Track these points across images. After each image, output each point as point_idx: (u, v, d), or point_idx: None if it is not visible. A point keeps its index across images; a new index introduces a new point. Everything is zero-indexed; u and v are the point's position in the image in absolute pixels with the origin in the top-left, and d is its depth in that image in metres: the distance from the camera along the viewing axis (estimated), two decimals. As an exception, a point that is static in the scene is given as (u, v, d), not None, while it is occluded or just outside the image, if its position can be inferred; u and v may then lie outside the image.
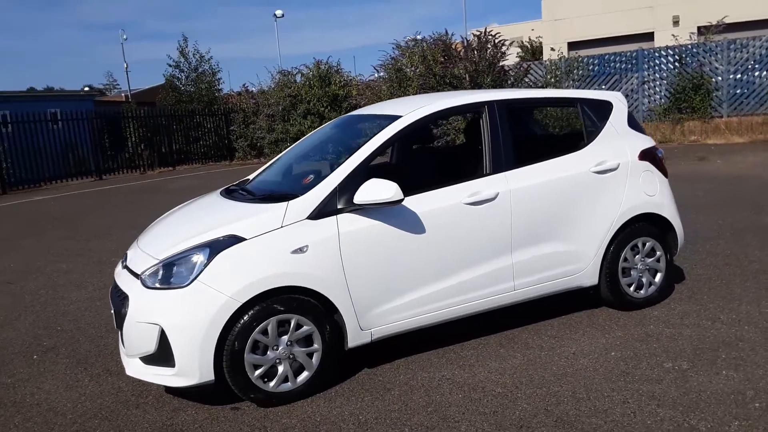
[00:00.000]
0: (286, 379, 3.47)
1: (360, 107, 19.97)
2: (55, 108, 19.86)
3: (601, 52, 20.36)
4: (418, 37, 20.98)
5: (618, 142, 4.44)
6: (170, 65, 23.63)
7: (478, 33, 19.63)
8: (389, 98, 19.82)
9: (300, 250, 3.43)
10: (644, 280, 4.52)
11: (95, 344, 4.64)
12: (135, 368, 3.48)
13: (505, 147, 4.08)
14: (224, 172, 18.05)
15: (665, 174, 4.65)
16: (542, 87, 19.35)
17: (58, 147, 18.89)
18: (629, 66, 18.81)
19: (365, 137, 3.97)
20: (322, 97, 21.43)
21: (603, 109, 4.51)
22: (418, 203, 3.75)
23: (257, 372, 3.38)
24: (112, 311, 3.72)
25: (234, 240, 3.39)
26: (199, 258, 3.35)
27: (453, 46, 20.04)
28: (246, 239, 3.40)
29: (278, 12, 39.37)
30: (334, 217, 3.54)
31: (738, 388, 3.32)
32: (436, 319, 3.89)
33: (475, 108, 4.23)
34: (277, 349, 3.42)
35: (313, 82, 21.71)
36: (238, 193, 4.14)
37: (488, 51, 19.18)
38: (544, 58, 25.10)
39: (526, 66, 19.73)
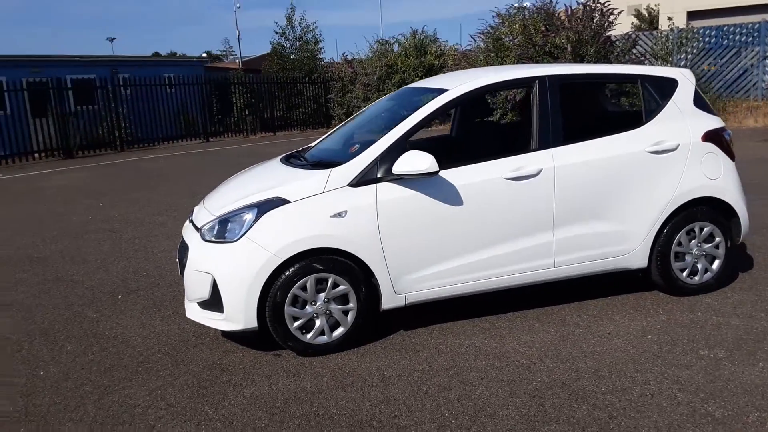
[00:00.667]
0: (322, 333, 3.76)
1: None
2: (170, 73, 21.27)
3: (723, 23, 18.86)
4: (522, 4, 20.34)
5: (680, 122, 4.29)
6: (277, 32, 24.51)
7: (585, 0, 18.81)
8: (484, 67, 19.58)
9: (339, 215, 3.66)
10: (699, 266, 4.38)
11: (171, 289, 5.16)
12: (193, 311, 3.90)
13: (554, 123, 4.07)
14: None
15: (732, 157, 4.44)
16: (649, 60, 18.30)
17: (172, 110, 20.31)
18: (750, 39, 17.32)
19: (414, 110, 4.10)
20: (417, 66, 21.45)
21: (667, 87, 4.35)
22: (458, 176, 3.86)
23: (296, 324, 3.69)
24: (177, 260, 4.16)
25: (280, 202, 3.69)
26: (248, 216, 3.68)
27: (557, 15, 19.36)
28: (290, 201, 3.68)
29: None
30: (374, 186, 3.74)
31: (770, 381, 3.22)
32: (471, 290, 4.01)
33: (525, 83, 4.24)
34: (315, 305, 3.71)
35: (409, 51, 21.75)
36: (295, 159, 4.43)
37: (595, 20, 18.36)
38: (661, 28, 23.58)
39: (634, 37, 18.66)
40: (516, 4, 20.24)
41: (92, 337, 4.26)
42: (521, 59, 18.81)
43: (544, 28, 18.81)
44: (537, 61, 18.74)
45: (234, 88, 22.29)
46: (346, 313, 3.78)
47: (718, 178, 4.31)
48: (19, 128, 16.95)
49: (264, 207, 3.69)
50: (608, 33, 18.99)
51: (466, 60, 20.40)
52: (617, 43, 18.84)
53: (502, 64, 19.24)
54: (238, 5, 36.25)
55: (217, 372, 3.65)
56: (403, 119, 3.94)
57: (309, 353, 3.77)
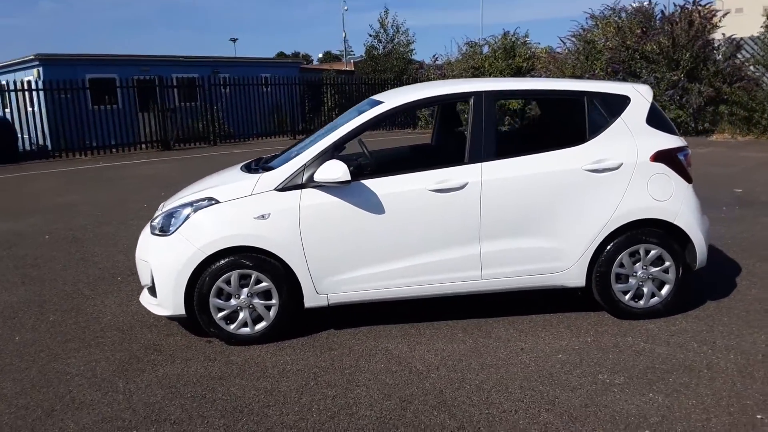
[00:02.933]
0: (245, 325, 4.07)
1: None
2: (266, 73, 22.54)
3: None
4: (619, 6, 19.45)
5: (627, 141, 4.16)
6: (370, 35, 25.17)
7: (683, 3, 17.69)
8: (572, 72, 18.97)
9: (262, 216, 3.96)
10: (645, 289, 4.23)
11: (165, 276, 5.70)
12: (142, 296, 4.37)
13: (486, 138, 4.11)
14: (402, 140, 19.00)
15: (687, 179, 4.22)
16: (751, 65, 16.87)
17: (266, 108, 21.55)
18: None
19: (354, 120, 4.29)
20: (504, 69, 21.18)
21: (616, 104, 4.23)
22: (382, 186, 4.02)
23: (220, 314, 4.04)
24: (139, 249, 4.65)
25: (211, 201, 4.05)
26: (184, 213, 4.08)
27: (656, 17, 18.35)
28: (220, 202, 4.03)
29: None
30: (298, 191, 3.99)
31: (647, 413, 3.12)
32: (394, 295, 4.15)
33: (462, 98, 4.30)
34: (239, 298, 4.03)
35: (498, 53, 21.52)
36: (255, 163, 4.77)
37: (696, 22, 17.22)
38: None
39: (737, 41, 17.26)
40: (611, 5, 19.40)
41: (74, 311, 4.86)
42: (612, 63, 18.08)
43: (640, 31, 17.94)
44: (630, 65, 17.95)
45: (325, 89, 23.17)
46: (268, 308, 4.07)
47: (667, 199, 4.13)
48: (128, 121, 18.78)
49: (197, 205, 4.07)
50: (711, 36, 17.77)
51: (554, 63, 19.90)
52: (720, 47, 17.58)
53: (590, 68, 18.60)
54: (345, 8, 37.54)
55: (150, 351, 4.08)
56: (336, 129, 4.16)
57: (233, 342, 4.11)
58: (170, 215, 4.17)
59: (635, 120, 4.20)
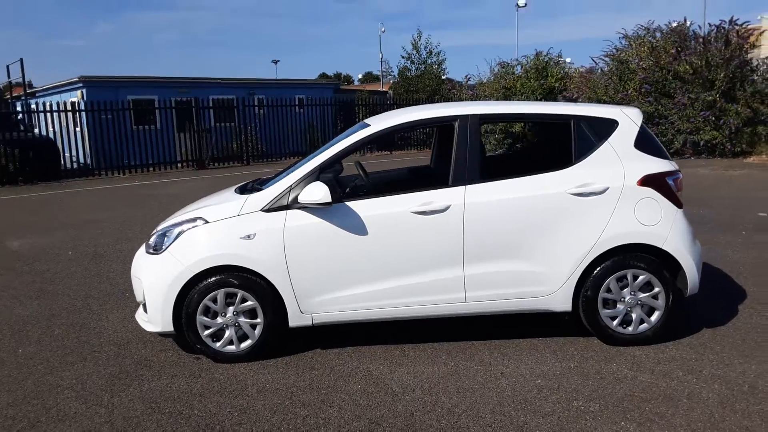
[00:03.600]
0: (231, 342, 4.17)
1: (575, 101, 19.25)
2: (301, 94, 23.01)
3: None
4: (653, 26, 19.16)
5: (613, 165, 4.12)
6: (403, 57, 25.45)
7: (719, 23, 17.35)
8: (604, 92, 18.73)
9: (248, 237, 4.06)
10: (634, 315, 4.15)
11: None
12: (138, 312, 4.52)
13: (471, 160, 4.13)
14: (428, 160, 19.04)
15: (677, 204, 4.15)
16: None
17: (300, 128, 21.95)
18: None
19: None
20: (536, 89, 21.06)
21: (604, 128, 4.20)
22: (366, 208, 4.08)
23: (207, 332, 4.14)
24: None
25: (201, 221, 4.18)
26: (174, 232, 4.21)
27: (692, 37, 18.02)
28: (209, 222, 4.16)
29: (521, 1, 39.02)
30: (283, 212, 4.09)
31: (615, 441, 3.07)
32: (378, 316, 4.19)
33: (446, 121, 4.33)
34: (225, 316, 4.13)
35: (530, 74, 21.43)
36: (251, 184, 4.89)
37: (732, 42, 16.84)
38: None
39: (776, 61, 16.77)
40: (645, 25, 19.13)
41: (79, 326, 5.05)
42: (645, 83, 17.79)
43: (674, 51, 17.64)
44: (663, 86, 17.63)
45: (357, 109, 23.48)
46: (254, 327, 4.16)
47: (655, 224, 4.07)
48: (166, 141, 19.40)
49: (187, 225, 4.20)
50: (749, 56, 17.36)
51: (586, 83, 19.69)
52: (760, 66, 17.12)
53: (624, 88, 18.33)
54: (382, 29, 38.03)
55: (140, 366, 4.20)
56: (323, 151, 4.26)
57: (219, 360, 4.20)
58: (163, 234, 4.31)
59: (623, 144, 4.16)
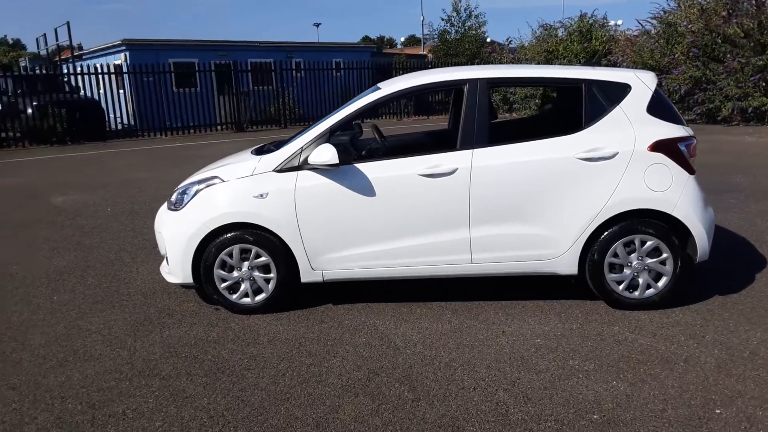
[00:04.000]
0: (247, 295, 4.38)
1: (619, 65, 18.69)
2: (338, 58, 23.00)
3: None
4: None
5: (624, 129, 4.09)
6: (443, 19, 25.05)
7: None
8: (650, 56, 18.12)
9: (261, 196, 4.22)
10: (641, 280, 4.17)
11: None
12: (162, 265, 4.77)
13: (479, 124, 4.17)
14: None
15: (689, 170, 4.11)
16: None
17: (336, 91, 22.01)
18: None
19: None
20: (579, 53, 20.53)
21: (616, 92, 4.15)
22: (375, 170, 4.18)
23: (224, 284, 4.36)
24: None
25: (216, 180, 4.36)
26: (192, 190, 4.41)
27: (746, -2, 17.18)
28: (225, 181, 4.33)
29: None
30: (295, 173, 4.22)
31: (603, 399, 3.15)
32: (385, 275, 4.32)
33: (456, 84, 4.36)
34: (240, 270, 4.34)
35: (573, 36, 20.86)
36: (268, 146, 5.04)
37: (789, 3, 16.00)
38: None
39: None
40: (695, -16, 18.28)
41: (110, 276, 5.36)
42: (694, 47, 17.12)
43: (725, 13, 16.87)
44: (712, 50, 16.95)
45: (395, 73, 23.33)
46: (267, 281, 4.35)
47: (665, 190, 4.05)
48: (206, 103, 19.78)
49: (205, 183, 4.39)
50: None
51: (631, 47, 19.06)
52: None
53: (671, 51, 17.69)
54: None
55: (163, 315, 4.47)
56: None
57: (235, 311, 4.42)
58: (183, 192, 4.51)
59: (635, 108, 4.12)
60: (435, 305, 4.46)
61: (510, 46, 23.29)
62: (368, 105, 4.32)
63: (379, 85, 4.64)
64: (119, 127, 19.66)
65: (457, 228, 4.18)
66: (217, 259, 4.31)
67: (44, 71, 21.02)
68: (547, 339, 3.86)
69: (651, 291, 4.19)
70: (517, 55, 22.52)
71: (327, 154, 4.05)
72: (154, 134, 18.90)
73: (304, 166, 4.20)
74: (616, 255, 4.14)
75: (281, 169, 4.24)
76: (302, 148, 4.23)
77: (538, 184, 4.09)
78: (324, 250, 4.27)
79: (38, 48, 35.05)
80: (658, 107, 4.15)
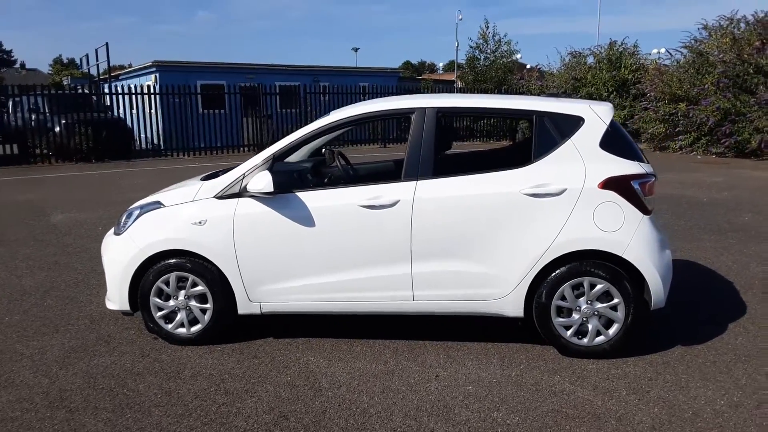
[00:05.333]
0: (183, 325, 4.26)
1: (648, 94, 18.20)
2: (365, 82, 23.11)
3: None
4: (736, 16, 17.77)
5: (574, 165, 3.85)
6: (471, 47, 24.95)
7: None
8: (679, 86, 17.60)
9: (199, 223, 4.11)
10: (590, 326, 3.89)
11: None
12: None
13: (424, 155, 3.99)
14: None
15: (643, 210, 3.82)
16: None
17: (361, 115, 22.05)
18: None
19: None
20: (607, 81, 20.11)
21: (568, 125, 3.92)
22: (313, 199, 4.04)
23: (160, 313, 4.25)
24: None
25: (158, 205, 4.28)
26: (134, 214, 4.34)
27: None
28: (165, 206, 4.25)
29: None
30: (235, 200, 4.11)
31: (513, 459, 2.89)
32: (325, 309, 4.14)
33: (404, 113, 4.20)
34: (177, 299, 4.22)
35: (602, 64, 20.47)
36: (220, 171, 4.93)
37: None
38: None
39: None
40: (728, 15, 17.77)
41: (69, 299, 5.33)
42: (725, 77, 16.56)
43: (759, 43, 16.30)
44: (744, 81, 16.35)
45: (421, 98, 23.26)
46: (204, 311, 4.23)
47: (615, 231, 3.78)
48: (233, 125, 20.06)
49: (146, 208, 4.32)
50: None
51: (660, 77, 18.55)
52: None
53: (701, 81, 17.14)
54: (459, 17, 37.44)
55: (100, 342, 4.38)
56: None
57: (171, 341, 4.30)
58: (128, 215, 4.44)
59: (587, 143, 3.88)
60: (378, 343, 4.26)
61: (538, 71, 23.00)
62: (313, 132, 4.20)
63: (332, 112, 4.52)
64: (148, 146, 20.09)
65: (398, 263, 3.99)
66: (154, 287, 4.21)
67: (84, 90, 21.72)
68: (480, 386, 3.61)
69: (601, 338, 3.90)
70: (545, 82, 22.23)
71: (262, 181, 3.93)
72: (178, 154, 19.24)
73: (243, 193, 4.08)
74: (564, 298, 3.88)
75: (222, 196, 4.13)
76: (244, 174, 4.11)
77: (481, 219, 3.88)
78: (262, 280, 4.13)
79: (81, 67, 36.41)
80: (612, 142, 3.91)
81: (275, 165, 4.15)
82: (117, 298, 4.29)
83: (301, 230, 4.03)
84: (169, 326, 4.27)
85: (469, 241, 3.90)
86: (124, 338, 4.44)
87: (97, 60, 26.92)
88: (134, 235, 4.24)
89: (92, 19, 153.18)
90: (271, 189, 3.92)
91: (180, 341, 4.28)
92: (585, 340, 3.91)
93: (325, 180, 5.02)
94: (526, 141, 4.48)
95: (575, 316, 3.89)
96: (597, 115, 3.94)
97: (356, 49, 62.02)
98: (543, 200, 3.82)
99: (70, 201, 10.67)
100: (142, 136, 19.77)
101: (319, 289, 4.09)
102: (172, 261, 4.16)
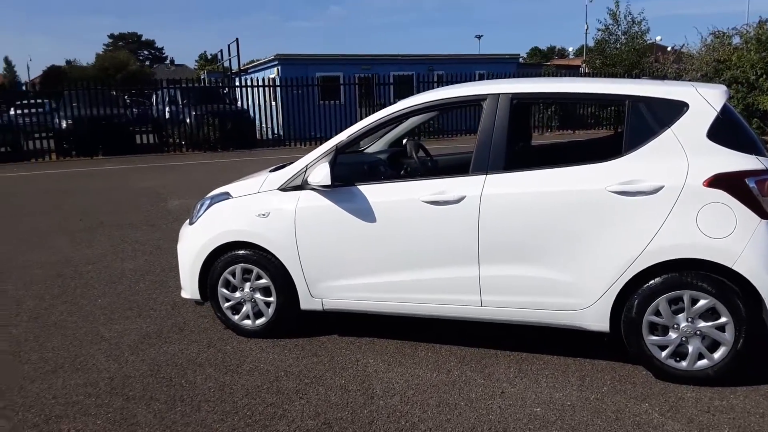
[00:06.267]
0: (248, 317, 4.20)
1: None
2: (481, 70, 22.43)
3: None
4: None
5: (675, 159, 3.27)
6: (599, 29, 23.36)
7: None
8: None
9: (263, 215, 4.02)
10: (690, 348, 3.31)
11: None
12: (185, 278, 4.77)
13: (496, 147, 3.59)
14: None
15: (761, 213, 3.15)
16: None
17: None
18: None
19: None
20: (756, 63, 17.92)
21: (668, 112, 3.33)
22: (375, 193, 3.79)
23: (227, 304, 4.22)
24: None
25: (226, 196, 4.24)
26: (205, 205, 4.34)
27: None
28: (232, 197, 4.20)
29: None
30: (297, 193, 3.97)
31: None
32: (387, 310, 3.89)
33: (473, 101, 3.79)
34: (243, 291, 4.17)
35: (750, 45, 18.28)
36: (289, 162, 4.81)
37: None
38: None
39: None
40: None
41: (159, 284, 5.51)
42: None
43: None
44: None
45: (543, 85, 22.19)
46: (268, 304, 4.14)
47: (724, 237, 3.16)
48: (349, 115, 20.34)
49: (216, 199, 4.30)
50: None
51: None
52: None
53: None
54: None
55: (173, 330, 4.43)
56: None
57: (237, 332, 4.27)
58: (198, 206, 4.46)
59: (691, 132, 3.28)
60: (444, 349, 3.94)
61: (675, 53, 21.05)
62: (377, 121, 3.95)
63: (400, 101, 4.23)
64: (270, 137, 20.90)
65: (465, 264, 3.64)
66: (222, 278, 4.18)
67: (216, 84, 23.01)
68: (550, 408, 3.18)
69: (704, 362, 3.30)
70: (683, 65, 20.31)
71: (320, 174, 3.74)
72: (297, 144, 19.82)
73: (305, 186, 3.92)
74: (658, 313, 3.33)
75: (285, 188, 4.00)
76: (307, 166, 3.96)
77: (559, 219, 3.42)
78: (323, 276, 3.96)
79: (218, 62, 38.70)
80: (724, 131, 3.27)
81: (340, 157, 3.95)
82: (189, 287, 4.33)
83: (362, 226, 3.80)
84: (236, 317, 4.23)
85: (545, 243, 3.46)
86: (196, 326, 4.47)
87: (229, 55, 28.47)
88: (204, 226, 4.24)
89: (232, 16, 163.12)
90: (328, 182, 3.72)
91: (245, 333, 4.23)
92: (684, 364, 3.33)
93: (401, 172, 4.75)
94: (619, 132, 3.92)
95: (672, 335, 3.33)
96: (705, 100, 3.32)
97: (479, 37, 60.73)
98: (634, 199, 3.29)
99: (189, 188, 11.25)
100: (266, 126, 20.58)
101: (381, 288, 3.85)
102: (237, 252, 4.11)
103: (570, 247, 3.42)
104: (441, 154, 5.24)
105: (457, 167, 4.69)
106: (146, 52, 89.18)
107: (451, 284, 3.69)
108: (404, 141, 5.11)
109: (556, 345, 3.90)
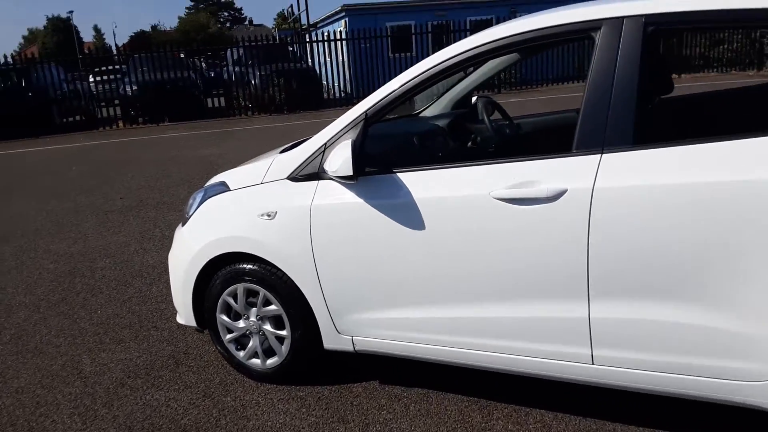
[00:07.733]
0: (257, 355, 3.07)
1: None
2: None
3: None
4: None
5: None
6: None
7: None
8: None
9: (268, 215, 2.81)
10: None
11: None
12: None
13: (617, 107, 2.17)
14: None
15: None
16: None
17: (567, 50, 19.29)
18: None
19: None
20: None
21: None
22: (423, 185, 2.48)
23: (229, 335, 3.10)
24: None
25: (222, 188, 3.06)
26: (198, 199, 3.19)
27: None
28: (230, 189, 3.02)
29: None
30: (314, 183, 2.72)
31: None
32: (444, 358, 2.62)
33: (582, 31, 2.34)
34: (248, 320, 3.03)
35: None
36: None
37: None
38: None
39: None
40: None
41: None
42: None
43: None
44: None
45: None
46: (280, 340, 2.98)
47: None
48: (421, 68, 18.79)
49: (210, 191, 3.13)
50: None
51: None
52: None
53: None
54: None
55: (168, 363, 3.39)
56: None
57: (243, 373, 3.15)
58: (192, 201, 3.30)
59: None
60: (532, 416, 2.65)
61: None
62: (421, 76, 2.57)
63: (464, 40, 2.83)
64: (339, 95, 19.74)
65: (565, 298, 2.29)
66: (220, 300, 3.05)
67: (287, 40, 22.00)
68: None
69: None
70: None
71: (338, 159, 2.48)
72: (367, 102, 18.56)
73: (322, 174, 2.67)
74: None
75: (296, 177, 2.77)
76: (326, 144, 2.69)
77: (729, 229, 1.99)
78: (352, 305, 2.73)
79: (288, 18, 37.77)
80: None
81: (373, 128, 2.66)
82: (182, 310, 3.24)
83: (403, 234, 2.51)
84: (241, 354, 3.11)
85: (698, 268, 2.05)
86: (197, 359, 3.40)
87: (298, 9, 27.32)
88: (195, 229, 3.10)
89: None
90: (349, 171, 2.45)
91: (254, 376, 3.11)
92: None
93: (468, 144, 3.41)
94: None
95: None
96: None
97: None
98: None
99: (247, 157, 10.30)
100: (335, 84, 19.42)
101: (434, 327, 2.58)
102: (237, 267, 2.95)
103: (744, 276, 1.99)
104: (525, 115, 3.82)
105: (552, 139, 3.31)
106: (226, 14, 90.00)
107: (543, 327, 2.36)
108: (473, 99, 3.73)
109: (714, 418, 2.52)
